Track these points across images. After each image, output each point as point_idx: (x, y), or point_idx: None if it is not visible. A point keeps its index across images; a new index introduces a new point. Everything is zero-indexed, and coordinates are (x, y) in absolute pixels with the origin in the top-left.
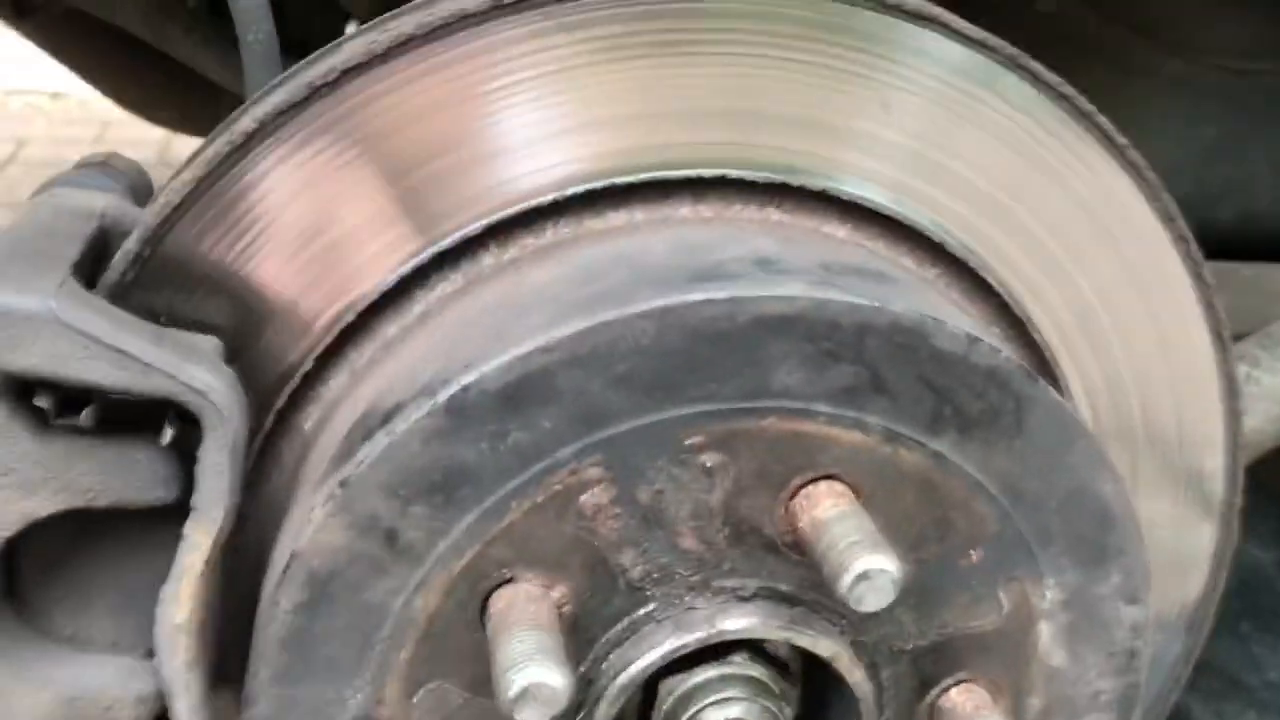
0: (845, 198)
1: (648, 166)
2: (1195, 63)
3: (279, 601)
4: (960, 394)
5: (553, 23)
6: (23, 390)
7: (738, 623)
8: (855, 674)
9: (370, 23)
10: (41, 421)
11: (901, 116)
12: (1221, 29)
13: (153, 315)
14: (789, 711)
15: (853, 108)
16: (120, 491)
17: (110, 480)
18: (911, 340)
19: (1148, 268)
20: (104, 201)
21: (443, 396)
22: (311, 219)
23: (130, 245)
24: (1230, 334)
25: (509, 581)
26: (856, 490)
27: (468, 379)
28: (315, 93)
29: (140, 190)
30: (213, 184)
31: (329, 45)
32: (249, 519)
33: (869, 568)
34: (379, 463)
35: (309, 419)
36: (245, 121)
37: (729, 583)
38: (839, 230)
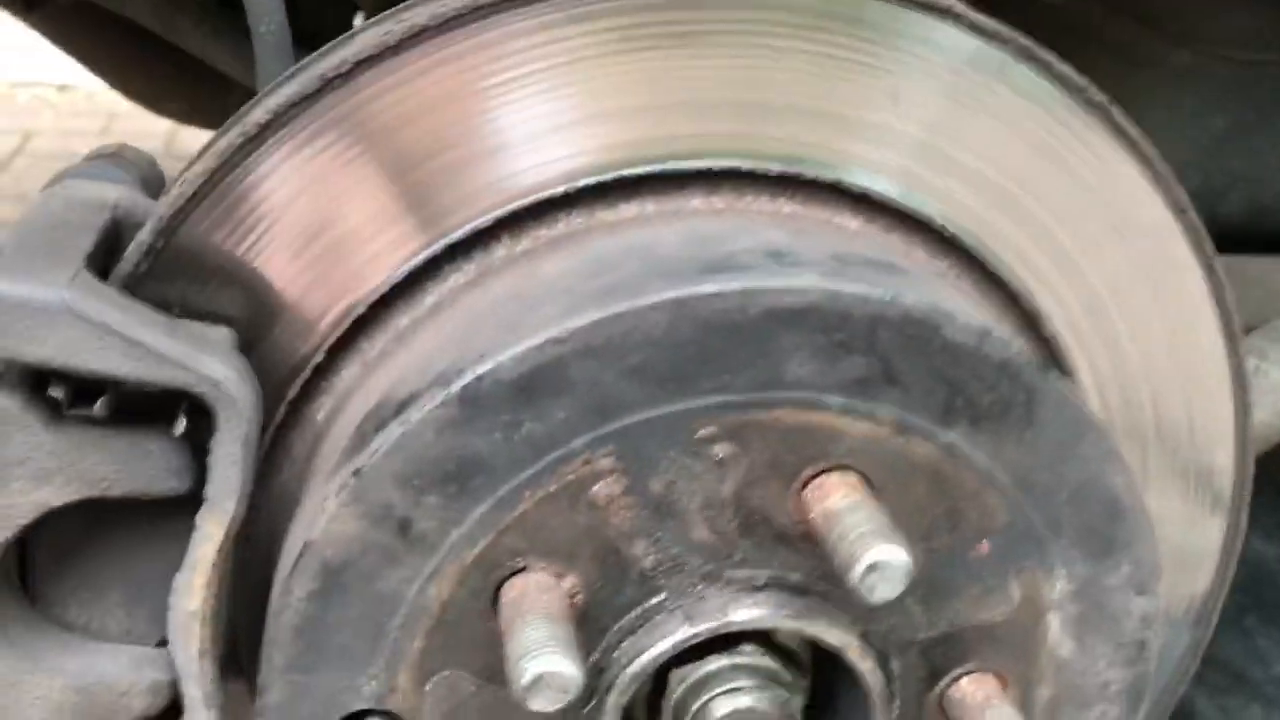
0: (856, 189)
1: (658, 158)
2: (1202, 54)
3: (292, 590)
4: (972, 386)
5: (562, 14)
6: (37, 381)
7: (748, 613)
8: (865, 664)
9: (382, 14)
10: (55, 412)
11: (911, 107)
12: (1228, 20)
13: (166, 306)
14: (798, 701)
15: (863, 99)
16: (133, 482)
17: (123, 471)
18: (923, 332)
19: (1158, 260)
20: (116, 193)
21: (456, 386)
22: (323, 211)
23: (143, 236)
24: (1240, 327)
25: (521, 571)
26: (868, 481)
27: (482, 369)
28: (328, 84)
29: (152, 182)
30: (225, 175)
31: (341, 37)
32: (260, 510)
33: (880, 558)
34: (392, 452)
35: (321, 410)
36: (258, 113)
37: (740, 573)
38: (850, 222)
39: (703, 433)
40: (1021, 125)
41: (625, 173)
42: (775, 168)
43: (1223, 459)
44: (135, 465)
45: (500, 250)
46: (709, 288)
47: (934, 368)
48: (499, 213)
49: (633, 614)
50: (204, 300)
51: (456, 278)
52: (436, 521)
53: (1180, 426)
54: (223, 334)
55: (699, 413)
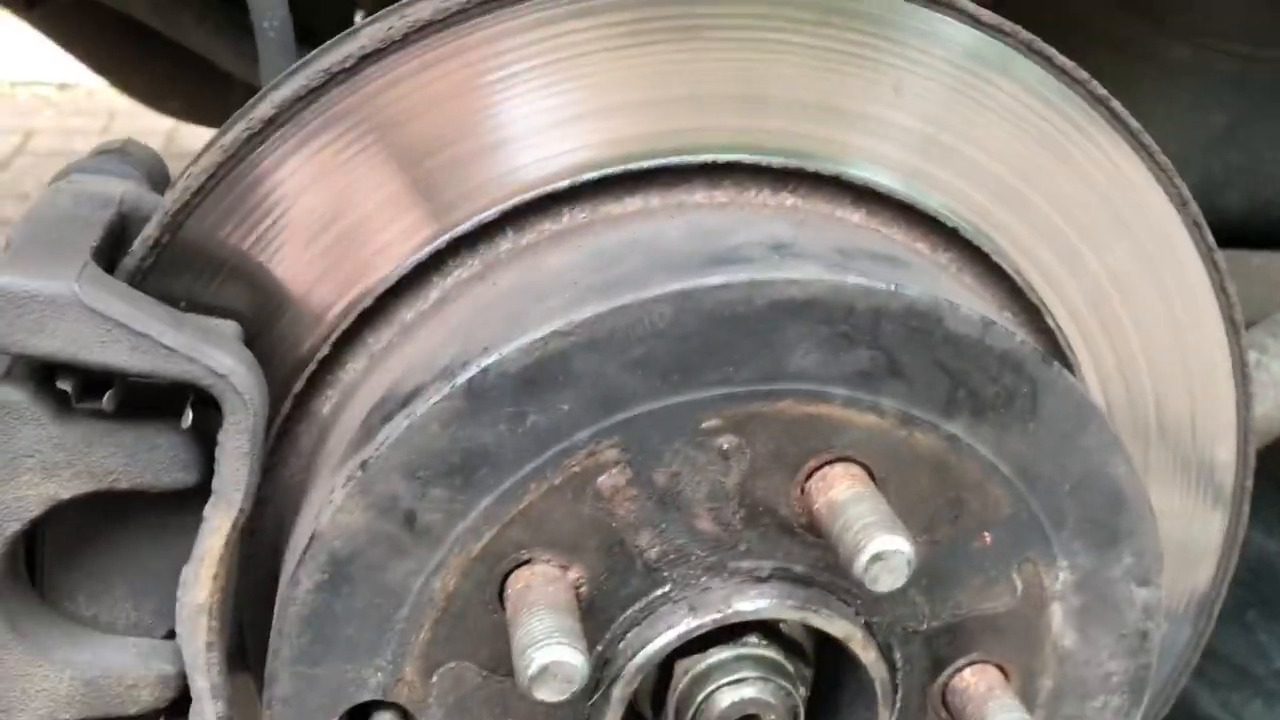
0: (859, 183)
1: (662, 152)
2: (1203, 49)
3: (300, 581)
4: (975, 377)
5: (566, 9)
6: (45, 374)
7: (753, 604)
8: (869, 655)
9: (385, 9)
10: (64, 405)
11: (914, 101)
12: (1229, 15)
13: (172, 300)
14: (802, 692)
15: (865, 92)
16: (141, 475)
17: (131, 463)
18: (926, 324)
19: (1160, 253)
20: (122, 188)
21: (462, 379)
22: (329, 205)
23: (150, 231)
24: (1242, 320)
25: (527, 563)
26: (871, 472)
27: (487, 361)
28: (333, 79)
29: (157, 177)
30: (231, 170)
31: (344, 32)
32: (267, 503)
33: (884, 548)
34: (399, 444)
35: (327, 403)
36: (263, 108)
37: (744, 564)
38: (853, 215)
39: (707, 425)
40: (1023, 119)
41: (629, 167)
42: (778, 161)
43: (1224, 453)
44: (143, 458)
45: (505, 244)
46: (714, 280)
47: (937, 359)
48: (503, 206)
49: (637, 605)
50: (210, 294)
51: (461, 272)
52: (442, 513)
53: (1182, 420)
54: (229, 327)
55: (703, 405)
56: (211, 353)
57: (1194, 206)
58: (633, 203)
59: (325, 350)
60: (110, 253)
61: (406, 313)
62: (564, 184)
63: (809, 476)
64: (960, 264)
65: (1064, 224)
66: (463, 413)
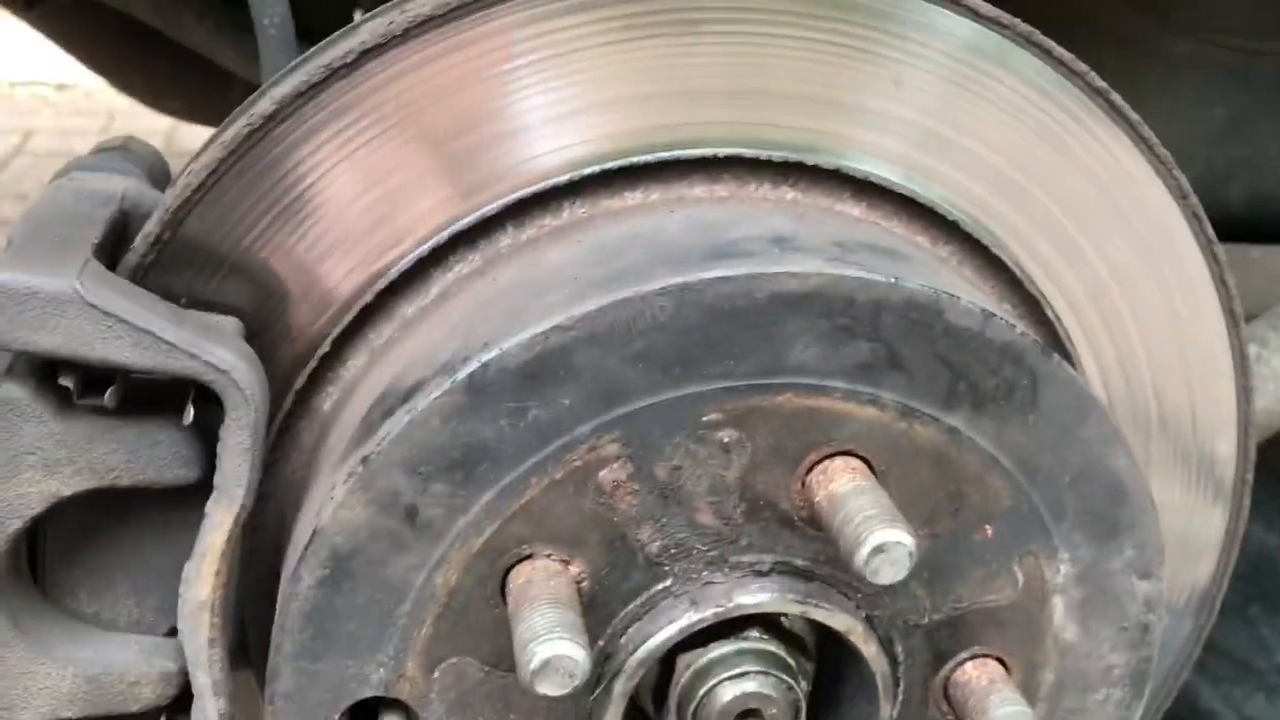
0: (858, 176)
1: (662, 146)
2: (1205, 43)
3: (301, 577)
4: (975, 370)
5: (564, 4)
6: (47, 370)
7: (754, 597)
8: (870, 648)
9: (385, 5)
10: (65, 401)
11: (913, 93)
12: (1231, 9)
13: (173, 297)
14: (804, 686)
15: (865, 85)
16: (143, 471)
17: (133, 460)
18: (926, 316)
19: (1160, 245)
20: (123, 185)
21: (463, 374)
22: (331, 200)
23: (151, 227)
24: (1242, 313)
25: (528, 558)
26: (872, 465)
27: (487, 356)
28: (333, 74)
29: (158, 174)
30: (231, 166)
31: (344, 29)
32: (268, 499)
33: (885, 541)
34: (400, 440)
35: (328, 399)
36: (264, 104)
37: (745, 558)
38: (853, 208)
39: (708, 418)
40: (1023, 111)
41: (629, 161)
42: (778, 155)
43: (1225, 447)
44: (144, 454)
45: (505, 239)
46: (715, 273)
47: (937, 352)
48: (504, 201)
49: (639, 599)
50: (211, 291)
51: (462, 267)
52: (443, 508)
53: (1183, 414)
54: (230, 323)
55: (704, 398)
56: (213, 349)
57: (1194, 199)
58: (632, 197)
59: (326, 346)
60: (112, 249)
61: (407, 308)
62: (564, 179)
63: (810, 470)
64: (960, 257)
65: (1063, 216)
66: (464, 408)
